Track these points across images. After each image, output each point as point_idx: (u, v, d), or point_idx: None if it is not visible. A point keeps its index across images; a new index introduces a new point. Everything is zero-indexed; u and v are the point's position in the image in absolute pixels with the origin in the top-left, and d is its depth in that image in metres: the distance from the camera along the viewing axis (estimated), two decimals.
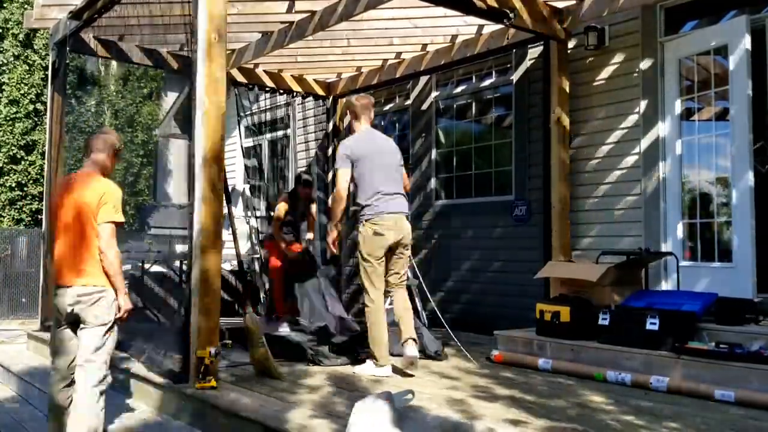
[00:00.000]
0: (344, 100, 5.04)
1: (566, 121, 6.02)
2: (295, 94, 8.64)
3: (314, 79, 8.52)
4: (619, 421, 3.41)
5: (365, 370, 4.61)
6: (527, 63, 6.86)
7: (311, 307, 6.19)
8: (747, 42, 5.09)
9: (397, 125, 8.48)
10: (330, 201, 4.49)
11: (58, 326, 3.53)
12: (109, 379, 3.46)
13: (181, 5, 4.72)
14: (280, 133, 10.18)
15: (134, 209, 15.00)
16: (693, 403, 3.85)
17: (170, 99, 15.80)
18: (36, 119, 13.61)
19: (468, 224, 7.34)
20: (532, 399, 3.90)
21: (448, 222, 7.60)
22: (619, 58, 6.05)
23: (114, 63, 14.82)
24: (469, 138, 7.71)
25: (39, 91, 13.57)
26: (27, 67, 13.62)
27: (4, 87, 13.49)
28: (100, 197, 3.41)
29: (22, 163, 13.50)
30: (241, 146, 8.98)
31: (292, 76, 8.33)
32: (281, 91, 8.40)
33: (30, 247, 11.12)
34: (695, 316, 4.46)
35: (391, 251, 4.67)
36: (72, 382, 3.44)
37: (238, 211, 10.16)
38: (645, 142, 5.84)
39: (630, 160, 5.96)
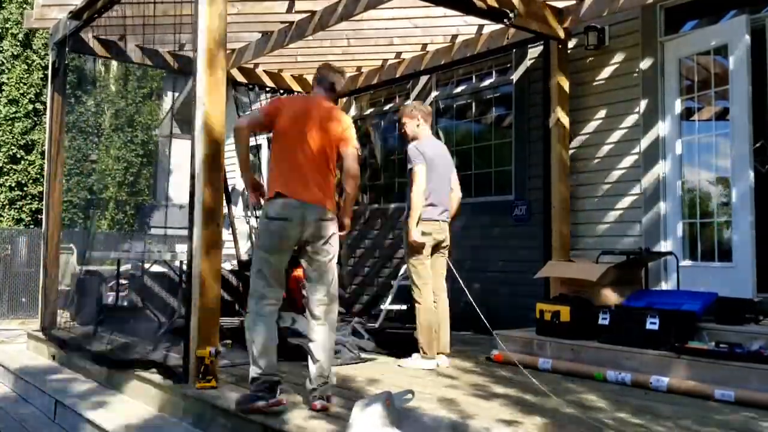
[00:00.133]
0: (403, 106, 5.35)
1: (566, 121, 6.02)
2: (294, 94, 8.63)
3: None
4: (618, 421, 3.41)
5: (411, 363, 4.83)
6: (527, 63, 6.86)
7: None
8: (747, 42, 5.09)
9: (397, 125, 8.47)
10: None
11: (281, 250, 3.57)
12: None
13: (181, 5, 4.72)
14: None
15: (134, 209, 15.00)
16: (693, 402, 3.84)
17: (170, 99, 15.80)
18: (35, 119, 13.62)
19: (468, 224, 7.33)
20: (532, 399, 3.90)
21: None
22: (619, 57, 6.05)
23: (114, 63, 14.82)
24: (469, 138, 7.71)
25: (38, 91, 13.58)
26: (26, 67, 13.63)
27: (3, 87, 13.49)
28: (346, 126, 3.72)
29: (22, 162, 13.51)
30: None
31: (292, 76, 8.33)
32: (281, 91, 8.40)
33: (30, 247, 11.11)
34: (695, 316, 4.46)
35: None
36: None
37: (238, 211, 10.17)
38: (645, 142, 5.84)
39: (630, 159, 5.96)
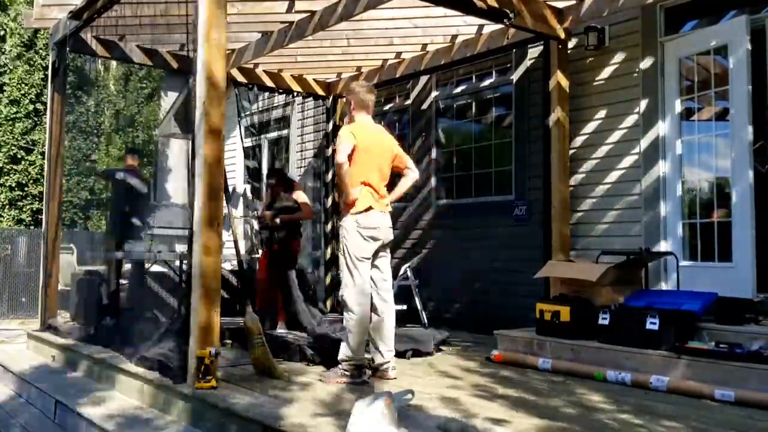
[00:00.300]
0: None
1: (566, 121, 6.02)
2: (295, 94, 8.64)
3: (314, 79, 8.51)
4: (618, 421, 3.41)
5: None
6: (527, 63, 6.86)
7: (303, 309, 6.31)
8: (747, 42, 5.09)
9: (397, 125, 8.48)
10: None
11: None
12: None
13: (181, 5, 4.72)
14: (283, 132, 10.17)
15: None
16: (693, 402, 3.84)
17: (170, 99, 15.78)
18: (36, 119, 13.63)
19: (468, 224, 7.34)
20: (532, 398, 3.90)
21: (448, 222, 7.60)
22: (619, 58, 6.05)
23: (114, 63, 14.83)
24: (469, 138, 7.71)
25: (39, 91, 13.59)
26: (28, 68, 13.63)
27: (5, 87, 13.50)
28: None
29: (23, 163, 13.52)
30: (242, 146, 8.98)
31: (291, 76, 8.33)
32: (281, 91, 8.41)
33: (30, 247, 11.13)
34: (695, 316, 4.47)
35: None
36: None
37: (238, 211, 10.18)
38: (645, 142, 5.84)
39: (630, 159, 5.96)
